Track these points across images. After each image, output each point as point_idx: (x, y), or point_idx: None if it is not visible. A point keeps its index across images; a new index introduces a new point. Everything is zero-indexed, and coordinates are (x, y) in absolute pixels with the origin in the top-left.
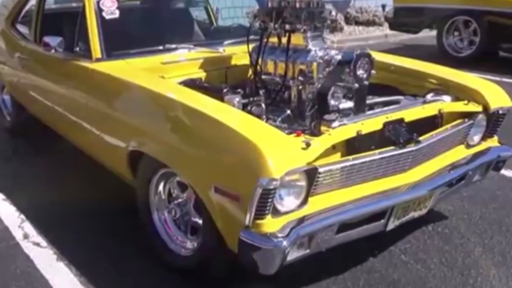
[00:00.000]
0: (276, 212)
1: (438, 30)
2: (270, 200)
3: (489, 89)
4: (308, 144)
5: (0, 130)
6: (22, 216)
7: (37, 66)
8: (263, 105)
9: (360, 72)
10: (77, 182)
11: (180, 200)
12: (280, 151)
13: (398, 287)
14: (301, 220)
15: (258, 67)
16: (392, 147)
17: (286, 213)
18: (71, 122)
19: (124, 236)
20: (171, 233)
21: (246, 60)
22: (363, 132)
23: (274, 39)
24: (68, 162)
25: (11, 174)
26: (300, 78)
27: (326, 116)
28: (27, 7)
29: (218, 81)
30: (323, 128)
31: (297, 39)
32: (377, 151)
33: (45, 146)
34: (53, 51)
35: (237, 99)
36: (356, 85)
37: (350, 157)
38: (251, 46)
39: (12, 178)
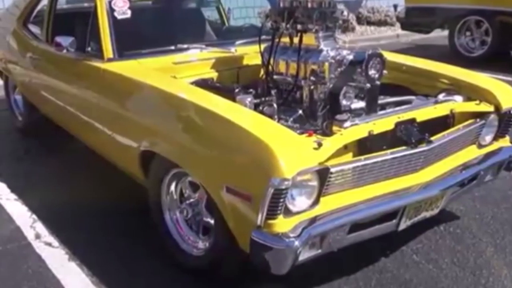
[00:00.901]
0: (288, 212)
1: (449, 30)
2: (282, 200)
3: (501, 89)
4: (319, 144)
5: (12, 130)
6: (34, 216)
7: (49, 66)
8: (274, 105)
9: (372, 72)
10: (89, 182)
11: (192, 200)
12: (292, 151)
13: (410, 287)
14: (313, 220)
15: (270, 67)
16: (404, 147)
17: (298, 213)
18: (83, 122)
19: (136, 236)
20: (183, 233)
21: (258, 60)
22: (375, 132)
23: (286, 39)
24: (80, 162)
25: (23, 174)
26: (312, 78)
27: (338, 116)
28: (38, 7)
29: (229, 81)
30: (334, 128)
31: (309, 39)
32: (389, 151)
33: (57, 146)
34: (64, 51)
35: (248, 99)
36: (368, 85)
37: (362, 157)
38: (262, 46)
39: (24, 178)
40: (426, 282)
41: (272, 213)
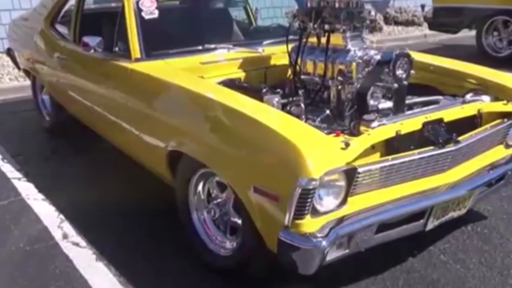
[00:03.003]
0: (315, 212)
1: (477, 30)
2: (309, 200)
3: None
4: (347, 144)
5: (39, 130)
6: (62, 216)
7: (76, 66)
8: (302, 105)
9: (399, 72)
10: (116, 182)
11: (219, 200)
12: (320, 151)
13: (437, 287)
14: (340, 220)
15: (297, 67)
16: (431, 147)
17: (325, 213)
18: (110, 122)
19: (163, 236)
20: (210, 233)
21: (285, 60)
22: (402, 132)
23: (313, 39)
24: (107, 162)
25: (50, 174)
26: (339, 78)
27: (366, 116)
28: (66, 7)
29: (257, 81)
30: (362, 128)
31: (336, 39)
32: (416, 151)
33: (84, 146)
34: (92, 51)
35: (276, 99)
36: (395, 85)
37: (389, 157)
38: (290, 46)
39: (51, 178)
40: (453, 282)
41: (299, 213)
